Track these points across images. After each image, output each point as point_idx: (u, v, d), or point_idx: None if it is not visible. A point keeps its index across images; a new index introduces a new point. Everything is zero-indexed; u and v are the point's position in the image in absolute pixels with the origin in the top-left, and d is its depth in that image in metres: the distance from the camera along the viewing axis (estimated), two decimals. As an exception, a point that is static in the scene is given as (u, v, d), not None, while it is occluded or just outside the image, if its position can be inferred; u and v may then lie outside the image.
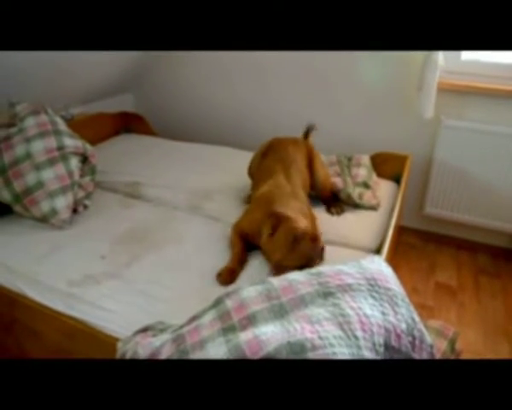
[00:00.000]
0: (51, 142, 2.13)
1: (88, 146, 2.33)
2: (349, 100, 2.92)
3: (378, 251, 1.89)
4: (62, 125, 2.26)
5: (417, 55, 2.60)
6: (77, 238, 1.99)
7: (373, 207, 2.19)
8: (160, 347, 1.23)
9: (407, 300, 1.36)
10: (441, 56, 2.48)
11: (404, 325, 1.28)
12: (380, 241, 1.97)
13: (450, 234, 2.95)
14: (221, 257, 1.85)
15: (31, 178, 2.04)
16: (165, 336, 1.27)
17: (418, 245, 2.94)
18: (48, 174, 2.06)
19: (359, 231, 2.03)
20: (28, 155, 2.06)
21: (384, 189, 2.41)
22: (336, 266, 1.38)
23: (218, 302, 1.32)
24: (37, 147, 2.08)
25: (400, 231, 2.92)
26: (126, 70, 3.23)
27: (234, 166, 2.67)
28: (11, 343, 1.78)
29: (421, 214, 2.94)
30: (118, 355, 1.32)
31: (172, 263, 1.81)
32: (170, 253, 1.88)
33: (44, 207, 2.03)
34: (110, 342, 1.41)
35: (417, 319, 1.34)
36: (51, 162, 2.09)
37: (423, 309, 2.32)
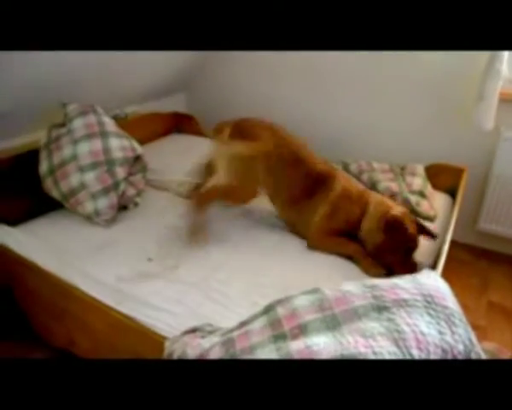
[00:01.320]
0: (97, 144, 2.15)
1: (136, 145, 2.36)
2: (405, 108, 2.85)
3: (433, 266, 1.82)
4: (110, 126, 2.28)
5: (478, 64, 2.49)
6: (126, 235, 2.03)
7: (430, 218, 2.12)
8: (209, 349, 1.22)
9: (465, 320, 1.30)
10: (505, 65, 2.37)
11: (461, 347, 1.23)
12: (434, 256, 1.90)
13: (505, 251, 2.81)
14: (270, 259, 1.84)
15: (75, 180, 2.09)
16: (215, 339, 1.26)
17: (470, 261, 2.82)
18: (90, 176, 2.09)
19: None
20: (74, 157, 2.10)
21: (438, 201, 2.32)
22: (391, 279, 1.33)
23: (268, 309, 1.30)
24: (83, 149, 2.12)
25: (451, 245, 2.80)
26: (179, 71, 3.28)
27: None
28: (62, 332, 1.84)
29: (474, 229, 2.82)
30: (165, 354, 1.33)
31: (217, 264, 1.82)
32: (217, 254, 1.89)
33: (88, 207, 2.08)
34: (157, 339, 1.43)
35: (475, 341, 1.28)
36: (94, 165, 2.11)
37: (475, 329, 2.18)
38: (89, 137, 2.15)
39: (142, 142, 2.79)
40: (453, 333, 1.23)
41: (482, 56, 2.44)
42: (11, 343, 1.99)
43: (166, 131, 3.23)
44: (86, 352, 1.78)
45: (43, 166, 2.13)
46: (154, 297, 1.61)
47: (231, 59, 3.40)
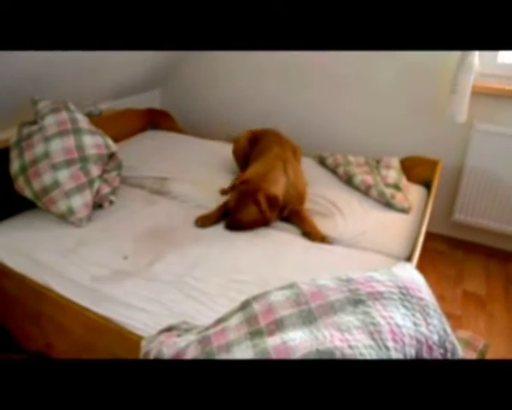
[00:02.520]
0: (70, 141, 2.09)
1: (110, 142, 2.30)
2: (378, 102, 2.87)
3: (408, 258, 1.85)
4: (83, 123, 2.22)
5: (451, 58, 2.53)
6: (101, 234, 2.00)
7: (404, 210, 2.15)
8: (185, 347, 1.21)
9: (439, 310, 1.32)
10: (477, 59, 2.41)
11: (436, 337, 1.24)
12: (410, 248, 1.92)
13: (480, 242, 2.86)
14: (246, 256, 1.84)
15: (48, 178, 2.02)
16: (191, 337, 1.25)
17: (445, 252, 2.87)
18: (63, 174, 2.04)
19: (388, 236, 1.99)
20: (46, 155, 2.04)
21: (413, 193, 2.35)
22: (367, 272, 1.34)
23: (245, 305, 1.30)
24: (56, 146, 2.06)
25: (427, 236, 2.84)
26: (154, 68, 3.24)
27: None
28: (38, 335, 1.80)
29: (449, 221, 2.86)
30: (141, 354, 1.31)
31: (196, 262, 1.80)
32: (193, 251, 1.87)
33: (61, 206, 2.02)
34: (134, 339, 1.41)
35: (449, 330, 1.30)
36: (68, 163, 2.06)
37: (451, 318, 2.23)
38: (61, 134, 2.09)
39: (117, 138, 2.75)
40: (428, 324, 1.25)
41: (454, 51, 2.48)
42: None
43: (142, 128, 3.18)
44: (63, 354, 1.74)
45: (15, 165, 2.06)
46: (130, 296, 1.59)
47: (206, 56, 3.38)
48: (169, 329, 1.35)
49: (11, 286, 1.81)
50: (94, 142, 2.19)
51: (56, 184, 2.03)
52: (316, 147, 2.95)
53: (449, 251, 2.87)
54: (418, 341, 1.19)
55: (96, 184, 2.14)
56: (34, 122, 2.15)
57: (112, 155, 2.32)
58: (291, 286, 1.31)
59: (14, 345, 1.94)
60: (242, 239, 1.97)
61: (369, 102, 2.90)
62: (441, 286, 2.54)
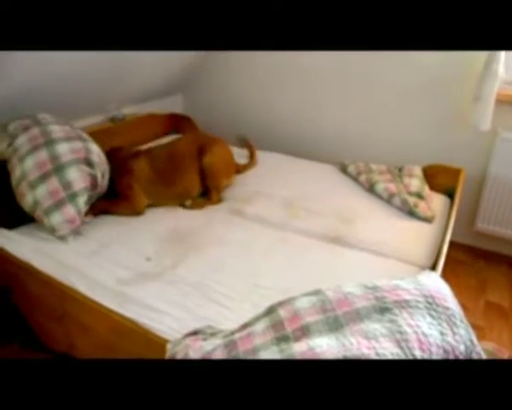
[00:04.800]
0: (42, 155, 2.00)
1: (93, 146, 2.18)
2: (402, 109, 2.86)
3: (432, 267, 1.83)
4: (58, 132, 2.08)
5: (476, 65, 2.51)
6: (123, 236, 2.02)
7: (427, 219, 2.13)
8: (211, 351, 1.22)
9: (465, 320, 1.31)
10: (502, 66, 2.39)
11: (462, 347, 1.23)
12: (433, 257, 1.91)
13: (502, 252, 2.82)
14: (266, 260, 1.85)
15: (29, 198, 1.98)
16: (217, 341, 1.26)
17: (467, 261, 2.83)
18: (41, 191, 1.96)
19: (410, 244, 1.97)
20: (23, 175, 1.98)
21: (436, 202, 2.33)
22: (393, 280, 1.34)
23: (270, 311, 1.30)
24: (29, 164, 1.98)
25: (449, 246, 2.82)
26: (177, 73, 3.28)
27: (277, 169, 2.69)
28: (61, 335, 1.83)
29: (471, 230, 2.83)
30: (167, 357, 1.33)
31: (217, 265, 1.81)
32: (213, 255, 1.89)
33: (46, 224, 1.98)
34: (159, 342, 1.42)
35: (476, 341, 1.29)
36: (43, 178, 1.97)
37: (473, 329, 2.20)
38: (33, 150, 2.01)
39: (140, 143, 2.80)
40: (454, 334, 1.24)
41: (479, 57, 2.46)
42: (11, 348, 1.98)
43: (164, 132, 3.22)
44: (87, 355, 1.77)
45: (12, 184, 2.05)
46: (155, 299, 1.60)
47: (228, 61, 3.40)
48: (194, 333, 1.36)
49: (36, 286, 1.84)
50: (71, 147, 2.07)
51: (36, 203, 1.98)
52: (336, 154, 2.96)
53: (470, 261, 2.84)
54: (445, 350, 1.19)
55: (83, 197, 2.04)
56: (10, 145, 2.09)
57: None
58: (316, 293, 1.31)
59: (38, 344, 1.98)
60: (262, 243, 1.98)
61: (390, 108, 2.89)
62: (463, 296, 2.50)
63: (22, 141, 2.04)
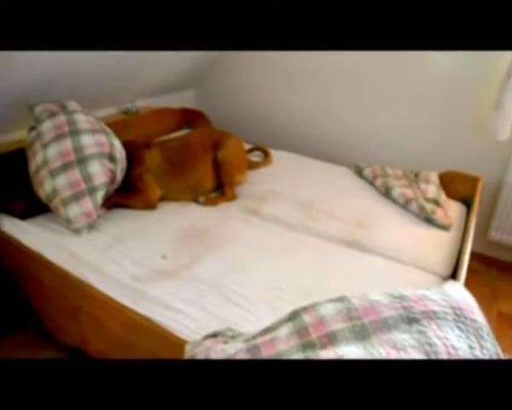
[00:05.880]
0: (67, 144, 1.96)
1: (116, 141, 2.15)
2: (418, 114, 2.82)
3: (451, 277, 1.81)
4: (83, 123, 2.05)
5: (497, 73, 2.47)
6: (137, 232, 1.99)
7: (445, 227, 2.09)
8: (234, 355, 1.19)
9: (492, 334, 1.28)
10: (524, 76, 2.35)
11: (489, 361, 1.21)
12: (451, 266, 1.88)
13: (515, 262, 2.80)
14: (284, 262, 1.82)
15: (48, 186, 1.93)
16: (239, 345, 1.23)
17: (479, 270, 2.81)
18: (61, 181, 1.92)
19: (428, 252, 1.94)
20: (45, 162, 1.94)
21: (452, 210, 2.30)
22: (418, 290, 1.31)
23: (294, 316, 1.27)
24: (53, 152, 1.94)
25: (460, 254, 2.80)
26: (191, 68, 3.25)
27: (292, 170, 2.66)
28: (74, 329, 1.81)
29: (484, 238, 2.81)
30: (186, 358, 1.30)
31: (234, 265, 1.78)
32: (230, 254, 1.86)
33: (62, 214, 1.94)
34: (175, 341, 1.40)
35: (502, 355, 1.26)
36: (65, 167, 1.93)
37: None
38: (58, 138, 1.97)
39: (153, 136, 2.77)
40: (482, 347, 1.22)
41: (502, 64, 2.42)
42: (21, 338, 1.96)
43: (177, 127, 3.20)
44: (99, 351, 1.74)
45: (30, 170, 2.02)
46: (171, 298, 1.57)
47: (242, 58, 3.38)
48: (214, 335, 1.33)
49: (49, 278, 1.82)
50: (95, 141, 2.04)
51: (55, 192, 1.93)
52: (353, 157, 2.92)
53: (483, 270, 2.81)
54: (473, 364, 1.16)
55: (101, 192, 2.01)
56: (33, 128, 2.06)
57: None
58: (341, 299, 1.29)
59: (49, 337, 1.96)
60: (279, 243, 1.95)
61: (406, 112, 2.86)
62: (475, 305, 2.48)
63: (48, 127, 1.99)
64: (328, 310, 1.25)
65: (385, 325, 1.19)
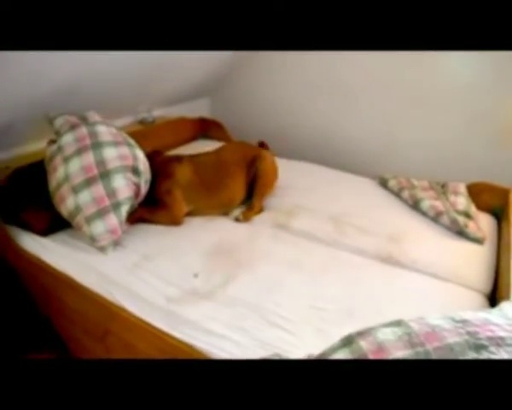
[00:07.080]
0: (89, 158, 1.86)
1: (139, 153, 2.06)
2: (442, 124, 2.78)
3: (492, 294, 1.75)
4: (105, 135, 1.96)
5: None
6: (165, 249, 1.91)
7: (478, 240, 2.03)
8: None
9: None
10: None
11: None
12: (490, 282, 1.82)
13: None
14: (321, 280, 1.75)
15: (70, 203, 1.83)
16: (293, 374, 1.16)
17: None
18: (84, 197, 1.82)
19: (465, 267, 1.88)
20: (67, 177, 1.84)
21: (483, 222, 2.24)
22: (479, 313, 1.24)
23: (349, 342, 1.20)
24: (74, 167, 1.84)
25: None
26: (206, 76, 3.20)
27: (316, 181, 2.61)
28: (101, 353, 1.72)
29: (509, 250, 2.75)
30: (232, 386, 1.22)
31: (270, 285, 1.71)
32: (264, 272, 1.78)
33: (86, 232, 1.84)
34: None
35: None
36: (88, 183, 1.84)
37: None
38: (79, 151, 1.87)
39: (169, 147, 2.70)
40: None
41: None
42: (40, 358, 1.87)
43: (193, 137, 3.14)
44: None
45: (50, 185, 1.92)
46: (210, 321, 1.49)
47: (257, 67, 3.33)
48: (264, 362, 1.26)
49: (75, 299, 1.75)
50: (118, 153, 1.94)
51: (78, 209, 1.83)
52: (377, 169, 2.86)
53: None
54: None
55: (126, 207, 1.92)
56: (54, 141, 1.97)
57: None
58: (398, 324, 1.22)
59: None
60: (313, 260, 1.88)
61: (430, 123, 2.81)
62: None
63: (69, 140, 1.90)
64: (387, 336, 1.18)
65: (450, 353, 1.12)
